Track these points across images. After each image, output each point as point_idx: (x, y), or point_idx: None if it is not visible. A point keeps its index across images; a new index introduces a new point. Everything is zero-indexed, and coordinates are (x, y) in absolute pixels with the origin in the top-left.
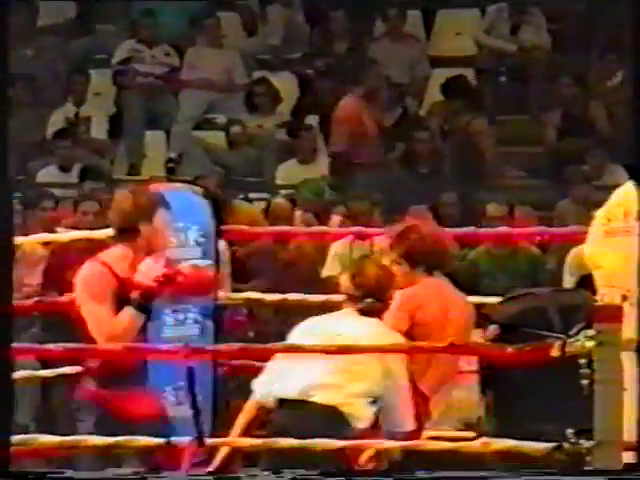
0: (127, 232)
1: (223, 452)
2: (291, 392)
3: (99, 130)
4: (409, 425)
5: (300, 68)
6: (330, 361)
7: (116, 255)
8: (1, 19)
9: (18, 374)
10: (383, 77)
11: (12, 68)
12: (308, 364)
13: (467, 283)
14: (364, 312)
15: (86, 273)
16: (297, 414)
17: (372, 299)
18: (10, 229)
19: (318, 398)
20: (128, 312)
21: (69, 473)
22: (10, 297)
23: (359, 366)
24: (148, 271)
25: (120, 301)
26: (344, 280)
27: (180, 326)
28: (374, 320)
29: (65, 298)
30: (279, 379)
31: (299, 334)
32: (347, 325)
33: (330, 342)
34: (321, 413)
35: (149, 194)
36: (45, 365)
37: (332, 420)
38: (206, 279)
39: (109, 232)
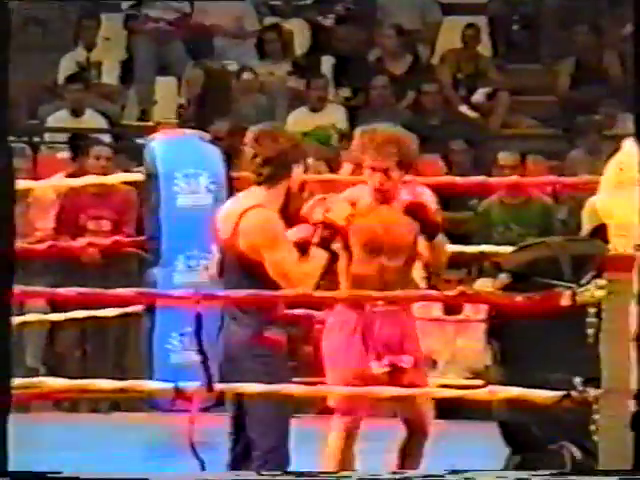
0: (280, 171)
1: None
2: None
3: (110, 75)
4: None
5: (311, 15)
6: None
7: (267, 198)
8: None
9: (28, 317)
10: (392, 25)
11: (23, 12)
12: None
13: (480, 233)
14: None
15: (259, 220)
16: None
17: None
18: (11, 173)
19: None
20: (317, 252)
21: (70, 473)
22: (12, 240)
23: None
24: (340, 210)
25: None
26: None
27: (191, 272)
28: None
29: (78, 243)
30: None
31: None
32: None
33: None
34: None
35: (299, 137)
36: (55, 309)
37: None
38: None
39: (120, 177)
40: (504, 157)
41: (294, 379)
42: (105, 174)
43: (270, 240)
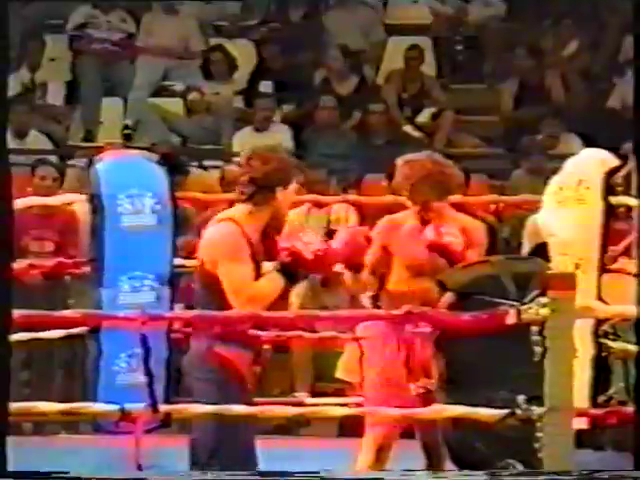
0: (262, 192)
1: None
2: None
3: (55, 96)
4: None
5: (256, 35)
6: None
7: (245, 215)
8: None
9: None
10: (338, 45)
11: None
12: None
13: None
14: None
15: (221, 233)
16: None
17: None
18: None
19: None
20: (275, 276)
21: (71, 473)
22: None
23: None
24: (307, 242)
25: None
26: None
27: (136, 293)
28: None
29: (16, 265)
30: None
31: None
32: None
33: None
34: None
35: (292, 160)
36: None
37: None
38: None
39: (64, 199)
40: None
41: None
42: (50, 195)
43: (227, 254)
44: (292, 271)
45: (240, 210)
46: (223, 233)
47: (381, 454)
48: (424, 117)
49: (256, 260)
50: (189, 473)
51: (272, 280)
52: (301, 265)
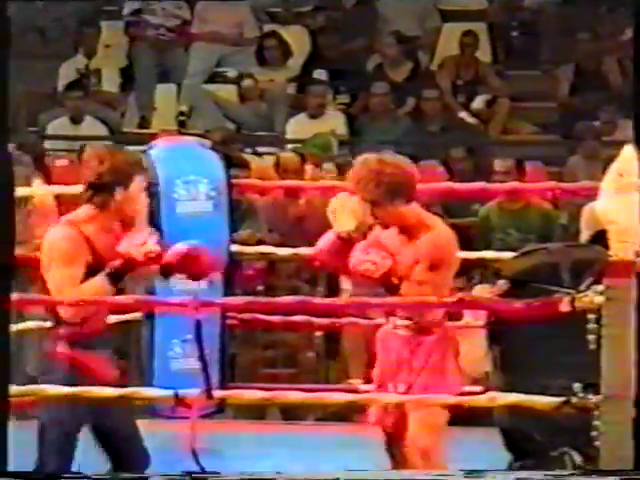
0: (100, 194)
1: None
2: None
3: (110, 82)
4: None
5: (310, 21)
6: None
7: (85, 216)
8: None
9: (27, 325)
10: (392, 31)
11: (23, 20)
12: None
13: (479, 239)
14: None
15: (54, 235)
16: None
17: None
18: (11, 181)
19: None
20: (100, 280)
21: (70, 473)
22: (12, 250)
23: None
24: (138, 243)
25: (90, 265)
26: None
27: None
28: None
29: None
30: None
31: None
32: None
33: None
34: None
35: (129, 158)
36: None
37: None
38: (201, 261)
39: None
40: (499, 163)
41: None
42: None
43: (54, 258)
44: (120, 274)
45: (84, 211)
46: (55, 237)
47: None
48: (479, 104)
49: (98, 262)
50: (190, 473)
51: (95, 284)
52: (131, 267)
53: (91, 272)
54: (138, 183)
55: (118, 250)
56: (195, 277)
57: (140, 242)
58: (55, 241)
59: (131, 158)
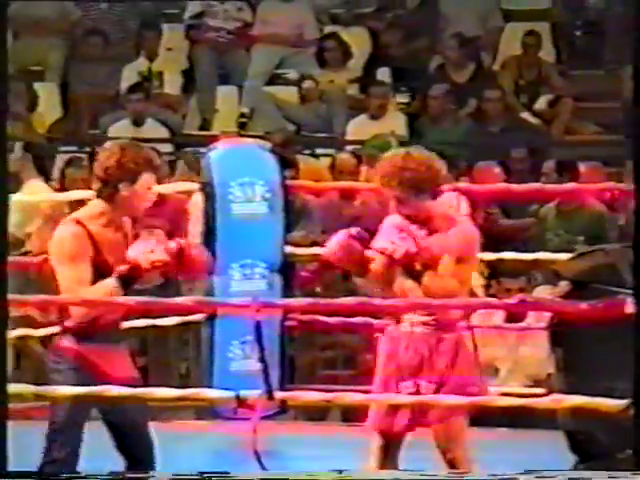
0: (107, 189)
1: None
2: None
3: (171, 85)
4: None
5: (372, 23)
6: None
7: (93, 213)
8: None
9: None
10: (454, 32)
11: (86, 23)
12: None
13: (537, 239)
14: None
15: (61, 233)
16: None
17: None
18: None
19: None
20: (111, 283)
21: (69, 474)
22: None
23: None
24: (146, 251)
25: (94, 262)
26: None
27: (247, 280)
28: None
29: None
30: None
31: None
32: None
33: None
34: None
35: (139, 154)
36: None
37: None
38: (199, 264)
39: (176, 187)
40: (545, 165)
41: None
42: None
43: (61, 257)
44: (129, 279)
45: (91, 208)
46: (61, 236)
47: (388, 447)
48: (541, 104)
49: (102, 259)
50: (192, 473)
51: (105, 286)
52: (138, 273)
53: (96, 269)
54: (146, 180)
55: (127, 256)
56: (186, 276)
57: (148, 250)
58: (60, 240)
59: (141, 155)
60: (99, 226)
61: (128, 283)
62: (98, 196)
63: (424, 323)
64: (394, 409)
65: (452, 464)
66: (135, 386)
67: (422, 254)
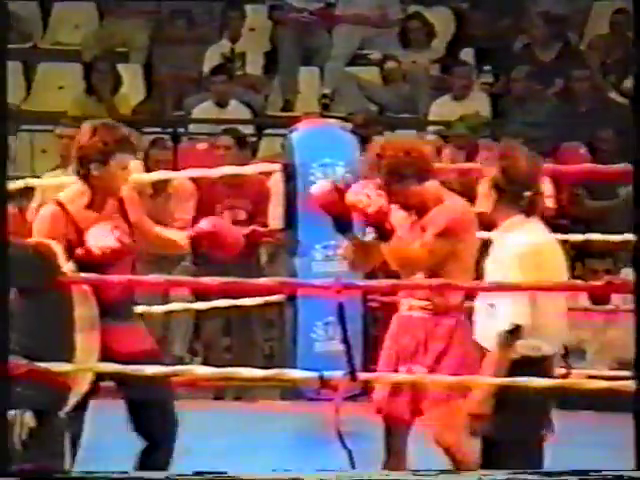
0: (83, 169)
1: None
2: None
3: (254, 66)
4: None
5: (456, 2)
6: None
7: (74, 193)
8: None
9: (172, 306)
10: (541, 11)
11: (170, 5)
12: None
13: (623, 221)
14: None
15: (41, 213)
16: None
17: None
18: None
19: None
20: (68, 267)
21: (73, 472)
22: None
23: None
24: (98, 238)
25: (75, 243)
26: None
27: (329, 261)
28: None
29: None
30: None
31: None
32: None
33: None
34: None
35: (114, 135)
36: (199, 299)
37: None
38: (223, 239)
39: (257, 168)
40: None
41: None
42: (235, 164)
43: (38, 235)
44: (85, 264)
45: (72, 189)
46: (39, 217)
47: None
48: (630, 83)
49: (80, 240)
50: (198, 473)
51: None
52: (91, 259)
53: (72, 250)
54: (120, 161)
55: (88, 243)
56: (217, 254)
57: (101, 236)
58: (39, 220)
59: (114, 135)
60: (80, 207)
61: (85, 267)
62: (78, 177)
63: (422, 308)
64: (395, 393)
65: (448, 453)
66: (151, 358)
67: (408, 236)
